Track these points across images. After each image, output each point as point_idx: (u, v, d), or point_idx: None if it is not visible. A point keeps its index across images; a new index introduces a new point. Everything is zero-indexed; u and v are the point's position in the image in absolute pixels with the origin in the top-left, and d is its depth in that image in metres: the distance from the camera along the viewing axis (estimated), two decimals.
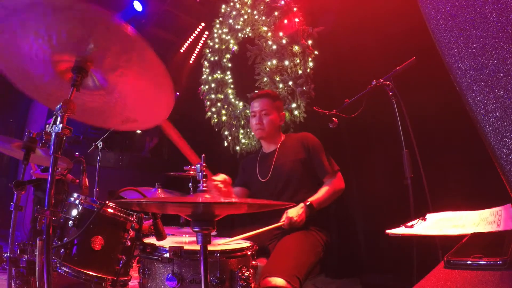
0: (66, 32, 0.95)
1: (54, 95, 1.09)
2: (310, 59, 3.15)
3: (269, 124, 2.02)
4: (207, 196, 0.97)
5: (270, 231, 1.76)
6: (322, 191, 1.84)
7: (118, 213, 1.43)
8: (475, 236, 0.80)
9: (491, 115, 0.65)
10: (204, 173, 1.02)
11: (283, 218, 1.70)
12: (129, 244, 1.42)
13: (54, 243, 1.36)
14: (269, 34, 3.48)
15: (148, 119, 1.28)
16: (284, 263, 1.48)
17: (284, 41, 3.27)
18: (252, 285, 1.17)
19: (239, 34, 4.02)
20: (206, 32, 4.94)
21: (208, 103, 4.29)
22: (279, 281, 1.37)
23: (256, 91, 2.30)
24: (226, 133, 4.03)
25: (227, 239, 1.48)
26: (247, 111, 3.81)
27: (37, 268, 1.00)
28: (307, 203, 1.75)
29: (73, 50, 1.01)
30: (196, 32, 5.28)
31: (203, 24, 5.13)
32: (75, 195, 1.46)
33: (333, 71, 3.08)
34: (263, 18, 3.59)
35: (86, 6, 0.86)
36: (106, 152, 3.71)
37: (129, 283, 1.46)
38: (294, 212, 1.71)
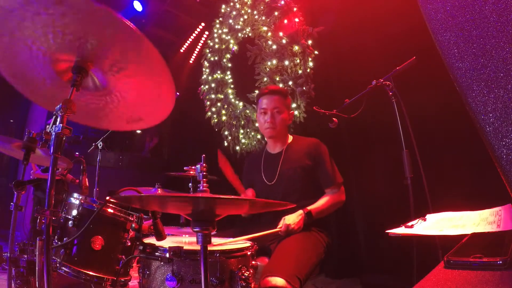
0: (61, 29, 0.94)
1: (56, 98, 1.10)
2: (310, 59, 3.15)
3: (280, 123, 1.95)
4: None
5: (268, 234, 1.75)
6: (323, 201, 1.83)
7: (118, 213, 1.43)
8: (475, 236, 0.80)
9: (491, 115, 0.65)
10: (204, 173, 1.01)
11: (281, 224, 1.68)
12: (129, 244, 1.43)
13: (54, 243, 1.36)
14: (269, 34, 3.49)
15: (153, 116, 1.27)
16: (284, 263, 1.47)
17: (284, 41, 3.27)
18: (252, 285, 1.17)
19: (239, 34, 4.02)
20: (206, 32, 4.95)
21: (208, 103, 4.30)
22: (279, 281, 1.36)
23: (261, 86, 2.24)
24: (226, 133, 4.03)
25: (223, 239, 1.49)
26: (247, 111, 3.81)
27: (37, 268, 1.00)
28: (306, 211, 1.74)
29: (72, 49, 1.01)
30: (196, 32, 5.29)
31: (203, 24, 5.13)
32: (75, 195, 1.47)
33: (333, 71, 3.09)
34: (263, 18, 3.59)
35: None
36: (106, 152, 3.71)
37: (129, 283, 1.46)
38: (292, 219, 1.69)
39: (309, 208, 1.76)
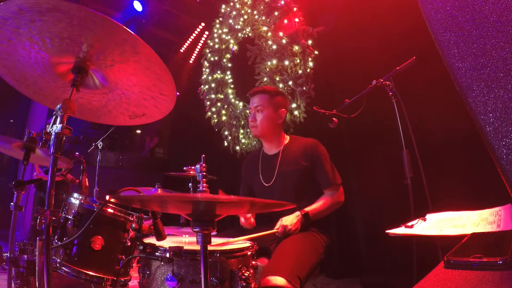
0: (57, 34, 0.96)
1: (60, 97, 1.11)
2: (310, 59, 3.15)
3: (262, 121, 1.93)
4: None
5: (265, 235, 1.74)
6: (320, 203, 1.81)
7: (118, 213, 1.43)
8: (475, 236, 0.79)
9: (491, 115, 0.65)
10: (204, 173, 1.01)
11: (277, 225, 1.68)
12: (129, 244, 1.43)
13: (54, 243, 1.36)
14: (269, 34, 3.49)
15: (156, 111, 1.27)
16: (285, 263, 1.47)
17: (284, 41, 3.27)
18: (252, 285, 1.17)
19: (239, 34, 4.02)
20: (206, 32, 4.95)
21: (208, 103, 4.30)
22: (279, 280, 1.36)
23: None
24: (226, 133, 4.03)
25: (221, 239, 1.49)
26: (247, 111, 3.82)
27: (37, 268, 1.00)
28: (303, 213, 1.73)
29: (69, 51, 1.02)
30: (196, 32, 5.30)
31: (203, 24, 5.14)
32: (75, 195, 1.46)
33: (333, 71, 3.09)
34: (263, 18, 3.59)
35: (69, 5, 0.86)
36: (106, 152, 3.72)
37: (129, 283, 1.46)
38: (289, 220, 1.68)
39: (306, 209, 1.76)
